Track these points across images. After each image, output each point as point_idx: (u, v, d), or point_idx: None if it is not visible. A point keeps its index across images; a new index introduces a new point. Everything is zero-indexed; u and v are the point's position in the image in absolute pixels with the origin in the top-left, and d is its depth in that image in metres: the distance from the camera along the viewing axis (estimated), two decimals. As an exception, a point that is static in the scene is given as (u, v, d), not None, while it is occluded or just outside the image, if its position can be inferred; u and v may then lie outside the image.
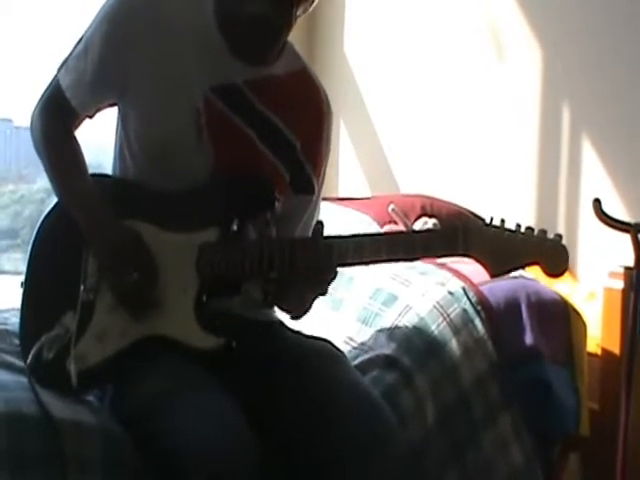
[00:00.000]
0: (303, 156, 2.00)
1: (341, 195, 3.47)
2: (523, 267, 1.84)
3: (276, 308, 2.08)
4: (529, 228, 1.80)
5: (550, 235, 1.81)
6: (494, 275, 1.83)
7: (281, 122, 1.96)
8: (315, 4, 1.91)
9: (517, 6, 3.17)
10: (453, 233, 1.81)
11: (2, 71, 3.79)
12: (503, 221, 1.81)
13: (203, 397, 1.76)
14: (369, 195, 3.41)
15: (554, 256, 1.80)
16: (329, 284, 1.86)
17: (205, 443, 1.66)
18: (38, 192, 4.19)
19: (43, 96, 2.03)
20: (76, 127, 2.02)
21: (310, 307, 1.96)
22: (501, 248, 1.79)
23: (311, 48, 3.86)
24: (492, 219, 1.81)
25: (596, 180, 2.91)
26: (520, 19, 3.16)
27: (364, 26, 3.79)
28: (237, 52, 1.91)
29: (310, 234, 2.00)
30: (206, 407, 1.73)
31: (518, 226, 1.80)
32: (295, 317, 2.00)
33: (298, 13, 1.88)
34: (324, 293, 1.88)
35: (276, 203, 1.93)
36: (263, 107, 1.95)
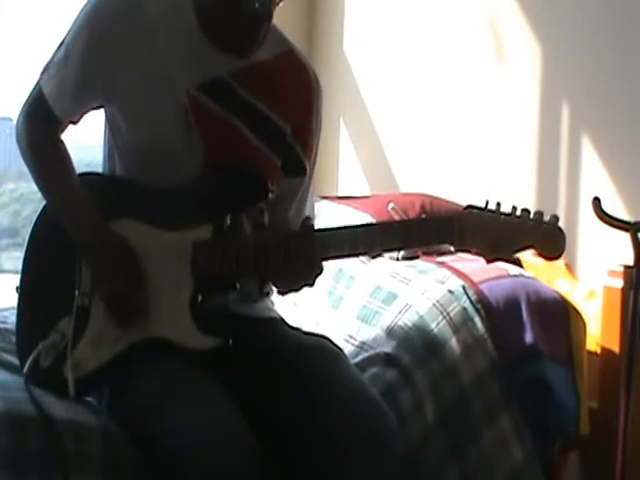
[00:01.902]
0: (293, 139, 1.99)
1: (341, 194, 3.47)
2: (520, 251, 1.83)
3: (275, 301, 2.08)
4: (525, 210, 1.79)
5: (547, 216, 1.80)
6: (490, 260, 1.82)
7: (270, 109, 1.95)
8: None
9: (516, 4, 3.17)
10: (448, 219, 1.80)
11: (2, 70, 3.79)
12: (499, 204, 1.79)
13: (201, 397, 1.75)
14: (369, 194, 3.41)
15: (551, 239, 1.79)
16: (317, 276, 1.85)
17: (203, 443, 1.66)
18: (38, 191, 4.18)
19: (26, 103, 2.01)
20: (61, 132, 2.00)
21: (298, 290, 1.93)
22: (497, 232, 1.78)
23: (311, 47, 3.85)
24: (487, 203, 1.80)
25: (595, 179, 2.91)
26: (519, 17, 3.16)
27: (364, 25, 3.78)
28: (220, 45, 1.90)
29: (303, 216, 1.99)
30: (203, 407, 1.73)
31: (514, 209, 1.79)
32: (281, 293, 1.99)
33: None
34: (312, 285, 1.87)
35: (270, 195, 1.92)
36: (250, 97, 1.93)
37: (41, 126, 1.98)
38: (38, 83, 1.98)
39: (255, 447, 1.72)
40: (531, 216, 1.79)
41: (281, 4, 1.87)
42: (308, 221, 1.87)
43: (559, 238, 1.80)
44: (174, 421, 1.71)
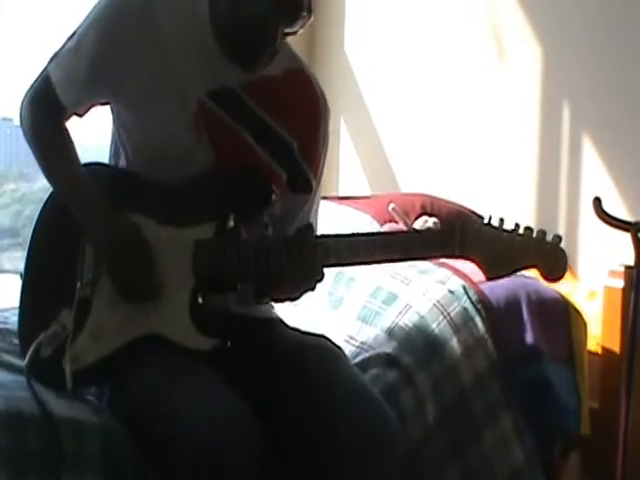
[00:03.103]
0: (300, 156, 1.99)
1: (341, 194, 3.47)
2: (520, 270, 1.82)
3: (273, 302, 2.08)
4: (528, 228, 1.78)
5: (549, 236, 1.79)
6: (490, 278, 1.81)
7: (277, 123, 1.95)
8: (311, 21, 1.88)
9: (517, 5, 3.17)
10: (449, 234, 1.79)
11: (2, 70, 3.79)
12: (502, 220, 1.78)
13: (200, 384, 1.75)
14: (369, 194, 3.41)
15: (553, 260, 1.78)
16: (318, 282, 1.85)
17: (203, 428, 1.65)
18: (39, 191, 4.18)
19: (32, 88, 2.01)
20: (66, 120, 2.01)
21: (299, 297, 1.93)
22: (498, 250, 1.76)
23: (312, 48, 3.86)
24: (491, 218, 1.79)
25: (596, 179, 2.91)
26: (520, 18, 3.16)
27: (364, 25, 3.79)
28: (232, 55, 1.90)
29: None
30: (203, 393, 1.72)
31: (517, 226, 1.78)
32: (278, 301, 1.99)
33: (295, 29, 1.85)
34: (313, 289, 1.87)
35: (273, 196, 1.92)
36: (259, 109, 1.94)
37: (46, 113, 1.99)
38: (46, 69, 1.98)
39: (257, 437, 1.70)
40: (534, 235, 1.78)
41: (300, 31, 1.86)
42: (309, 226, 1.86)
43: (561, 259, 1.78)
44: (174, 407, 1.70)
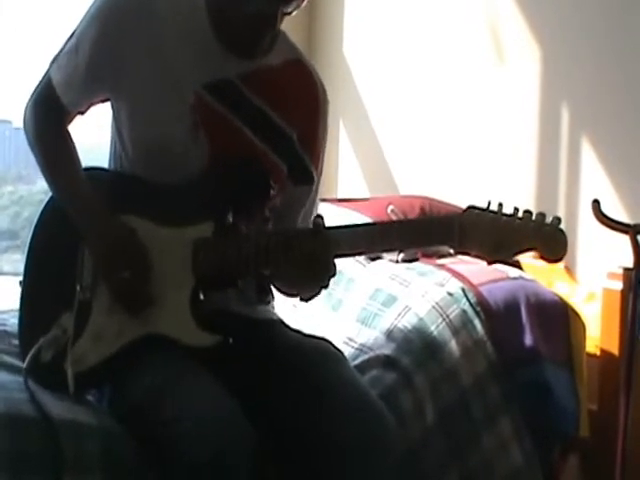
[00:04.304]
0: (300, 147, 1.99)
1: (340, 196, 3.47)
2: (521, 253, 1.81)
3: (275, 304, 2.08)
4: (527, 211, 1.78)
5: (549, 218, 1.79)
6: (491, 262, 1.81)
7: (276, 114, 1.95)
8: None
9: (516, 7, 3.17)
10: (449, 219, 1.80)
11: (1, 72, 3.79)
12: (501, 205, 1.78)
13: (201, 386, 1.75)
14: (368, 196, 3.41)
15: (552, 242, 1.77)
16: (330, 278, 1.84)
17: (205, 430, 1.65)
18: (38, 193, 4.18)
19: (35, 91, 2.02)
20: (69, 122, 2.01)
21: (318, 293, 1.91)
22: (498, 233, 1.76)
23: (310, 49, 3.86)
24: (489, 203, 1.79)
25: (595, 181, 2.91)
26: (519, 20, 3.16)
27: (363, 27, 3.79)
28: (229, 46, 1.90)
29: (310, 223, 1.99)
30: (204, 395, 1.72)
31: (516, 210, 1.78)
32: (303, 299, 1.95)
33: (290, 9, 1.85)
34: (326, 286, 1.86)
35: (271, 191, 1.92)
36: (257, 100, 1.94)
37: (48, 115, 1.99)
38: (48, 72, 1.99)
39: (254, 439, 1.71)
40: (533, 217, 1.78)
41: (294, 13, 1.86)
42: (318, 219, 1.84)
43: (561, 240, 1.78)
44: (174, 410, 1.70)
